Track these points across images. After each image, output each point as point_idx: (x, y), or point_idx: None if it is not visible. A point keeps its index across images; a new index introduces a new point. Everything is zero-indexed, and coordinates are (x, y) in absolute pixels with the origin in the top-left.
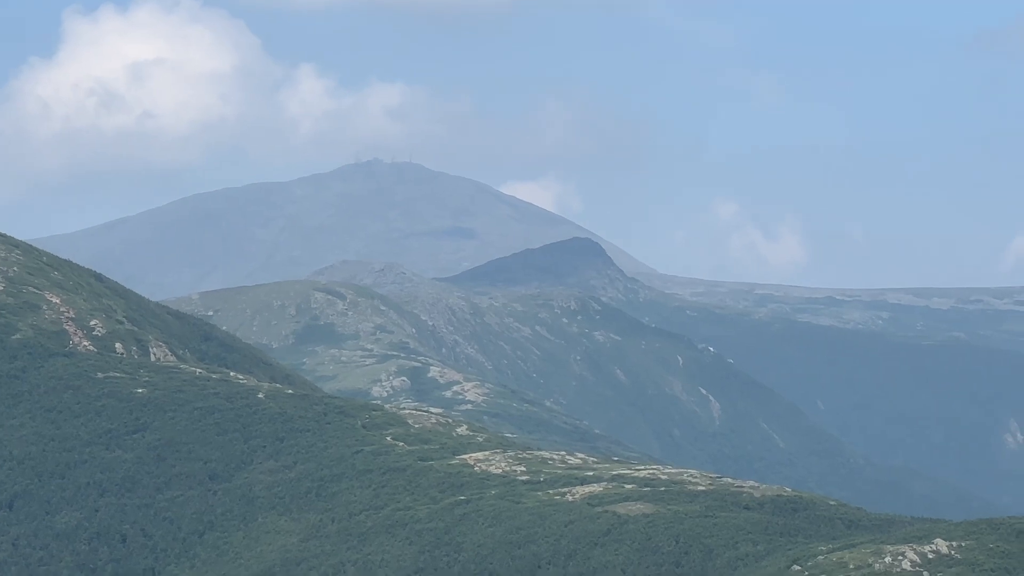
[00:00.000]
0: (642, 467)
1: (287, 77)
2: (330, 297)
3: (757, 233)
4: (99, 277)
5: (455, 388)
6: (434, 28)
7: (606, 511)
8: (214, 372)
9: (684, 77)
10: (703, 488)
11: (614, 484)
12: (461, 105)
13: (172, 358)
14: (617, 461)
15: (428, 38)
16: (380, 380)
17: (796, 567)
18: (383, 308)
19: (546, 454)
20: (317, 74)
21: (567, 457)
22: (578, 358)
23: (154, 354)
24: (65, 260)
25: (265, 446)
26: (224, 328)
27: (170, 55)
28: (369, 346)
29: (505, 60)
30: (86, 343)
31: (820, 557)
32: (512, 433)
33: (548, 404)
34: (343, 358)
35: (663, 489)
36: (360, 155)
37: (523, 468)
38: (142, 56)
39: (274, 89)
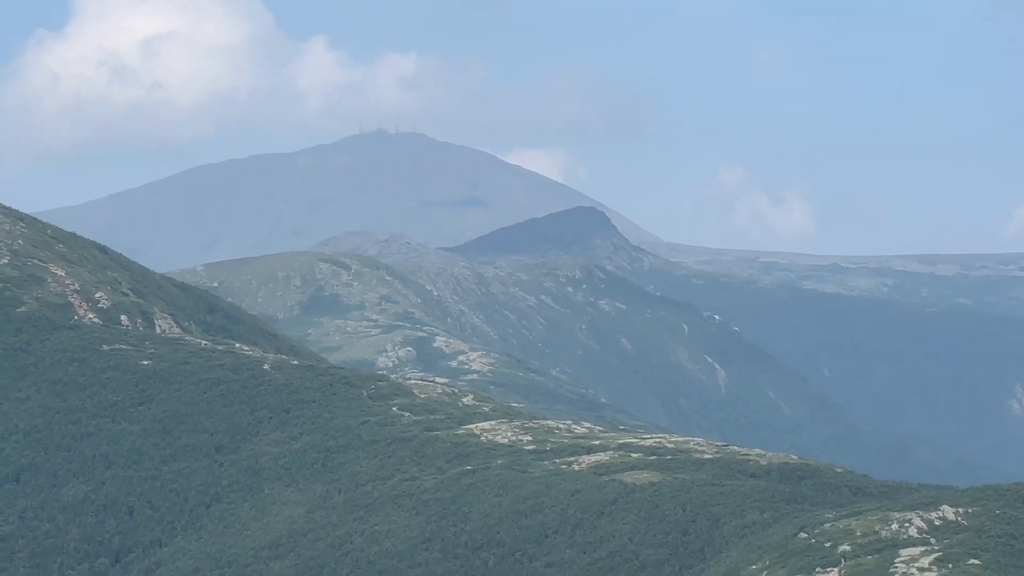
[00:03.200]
0: (648, 436)
1: (300, 49)
2: (335, 268)
3: (764, 200)
4: (104, 249)
5: (460, 358)
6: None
7: (613, 480)
8: (219, 344)
9: (690, 45)
10: (709, 456)
11: (620, 453)
12: (470, 75)
13: (177, 330)
14: (623, 430)
15: (441, 8)
16: (385, 350)
17: (803, 534)
18: (388, 278)
19: (552, 423)
20: (330, 46)
21: (573, 426)
22: (583, 327)
23: (159, 326)
24: (70, 233)
25: (271, 417)
26: (229, 299)
27: (182, 28)
28: (374, 316)
29: (512, 31)
30: (91, 315)
31: (827, 524)
32: (518, 403)
33: (554, 373)
34: (348, 329)
35: (669, 458)
36: (365, 125)
37: (529, 438)
38: (153, 29)
39: (286, 61)
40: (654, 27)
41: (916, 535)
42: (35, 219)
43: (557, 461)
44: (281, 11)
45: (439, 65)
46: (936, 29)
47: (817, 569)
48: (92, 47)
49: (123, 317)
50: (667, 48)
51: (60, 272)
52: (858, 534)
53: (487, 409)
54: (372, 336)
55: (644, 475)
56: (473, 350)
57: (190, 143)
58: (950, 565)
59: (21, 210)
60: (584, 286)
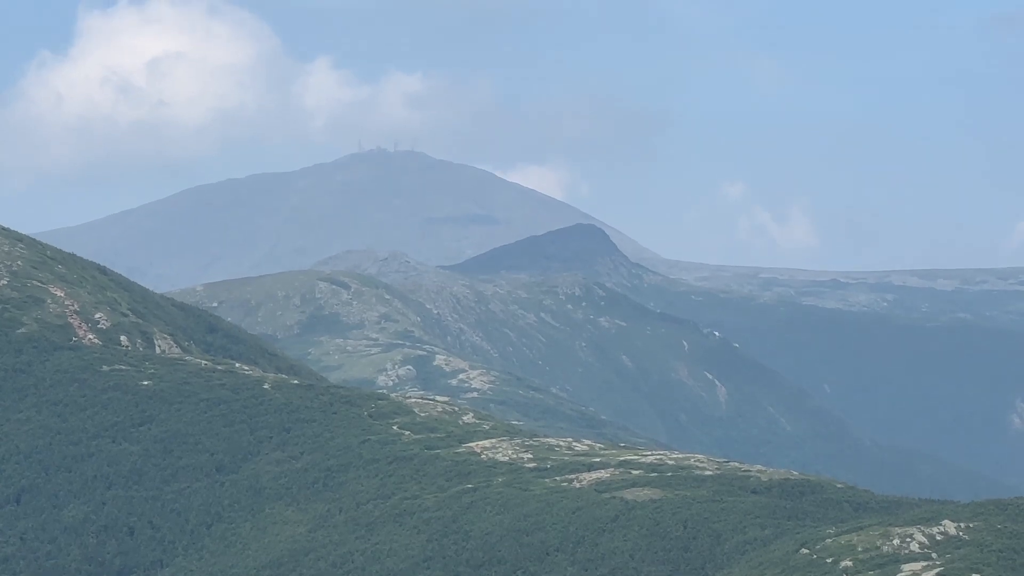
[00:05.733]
0: (649, 452)
1: (305, 70)
2: (334, 287)
3: (765, 216)
4: (103, 270)
5: (460, 376)
6: (444, 18)
7: (614, 497)
8: (219, 364)
9: (691, 62)
10: (710, 473)
11: (621, 470)
12: (473, 94)
13: (177, 350)
14: (624, 447)
15: (446, 28)
16: (385, 369)
17: (804, 550)
18: (388, 297)
19: (553, 441)
20: (335, 65)
21: (574, 444)
22: (583, 344)
23: (159, 346)
24: (69, 253)
25: (271, 437)
26: (229, 319)
27: (187, 49)
28: (374, 335)
29: (514, 50)
30: (91, 336)
31: (828, 540)
32: (518, 420)
33: (554, 391)
34: (348, 348)
35: (670, 474)
36: (364, 144)
37: (530, 455)
38: (158, 50)
39: (292, 81)
40: (654, 45)
41: (918, 550)
42: (34, 240)
43: (558, 479)
44: (287, 32)
45: (443, 83)
46: (936, 45)
47: None
48: (98, 68)
49: (123, 338)
50: (668, 65)
51: (59, 293)
52: (860, 549)
53: (487, 427)
54: (372, 355)
55: (645, 492)
56: (473, 368)
57: (194, 163)
58: None
59: (21, 231)
60: (584, 303)
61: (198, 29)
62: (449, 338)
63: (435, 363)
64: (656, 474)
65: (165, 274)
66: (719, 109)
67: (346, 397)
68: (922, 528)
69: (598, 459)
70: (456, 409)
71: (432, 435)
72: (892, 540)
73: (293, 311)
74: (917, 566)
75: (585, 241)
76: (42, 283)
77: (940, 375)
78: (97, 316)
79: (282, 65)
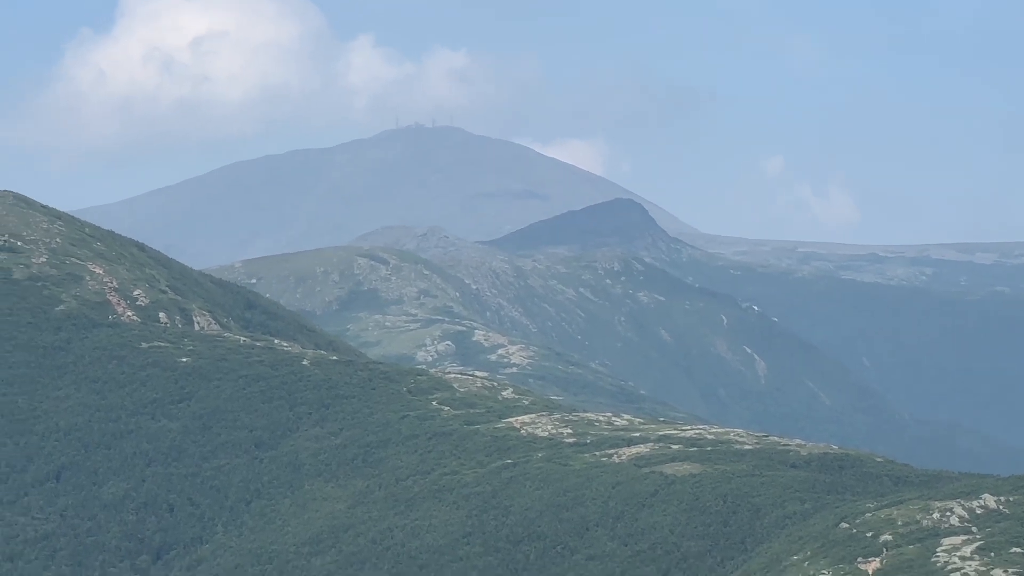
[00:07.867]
0: (688, 427)
1: (349, 47)
2: (373, 263)
3: (805, 190)
4: (141, 247)
5: (500, 351)
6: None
7: (653, 472)
8: (258, 340)
9: (730, 36)
10: (750, 447)
11: (661, 445)
12: (513, 69)
13: (216, 327)
14: (663, 422)
15: (482, 4)
16: (425, 345)
17: (844, 524)
18: (426, 272)
19: (592, 416)
20: (379, 42)
21: (613, 418)
22: (622, 319)
23: (198, 323)
24: (107, 231)
25: (311, 413)
26: (267, 296)
27: (231, 27)
28: (413, 311)
29: (552, 23)
30: (130, 313)
31: (868, 514)
32: (557, 395)
33: (593, 366)
34: (387, 323)
35: (710, 449)
36: (401, 120)
37: (569, 430)
38: (202, 28)
39: (336, 59)
40: (693, 20)
41: (958, 524)
42: (73, 217)
43: (597, 453)
44: (332, 10)
45: (488, 59)
46: (976, 17)
47: (859, 559)
48: (140, 46)
49: (161, 314)
50: (708, 42)
51: (98, 270)
52: (899, 523)
53: (527, 402)
54: (411, 330)
55: (684, 466)
56: (512, 343)
57: (235, 141)
58: (992, 554)
59: (61, 208)
60: (623, 278)
61: (243, 7)
62: (488, 313)
63: (474, 338)
64: (695, 449)
65: (204, 251)
66: (759, 84)
67: (385, 373)
68: (962, 502)
69: (637, 434)
70: (495, 384)
71: (471, 410)
72: (932, 514)
73: (332, 287)
74: (957, 540)
75: (624, 216)
76: (81, 260)
77: (979, 348)
78: (136, 293)
79: (326, 43)
